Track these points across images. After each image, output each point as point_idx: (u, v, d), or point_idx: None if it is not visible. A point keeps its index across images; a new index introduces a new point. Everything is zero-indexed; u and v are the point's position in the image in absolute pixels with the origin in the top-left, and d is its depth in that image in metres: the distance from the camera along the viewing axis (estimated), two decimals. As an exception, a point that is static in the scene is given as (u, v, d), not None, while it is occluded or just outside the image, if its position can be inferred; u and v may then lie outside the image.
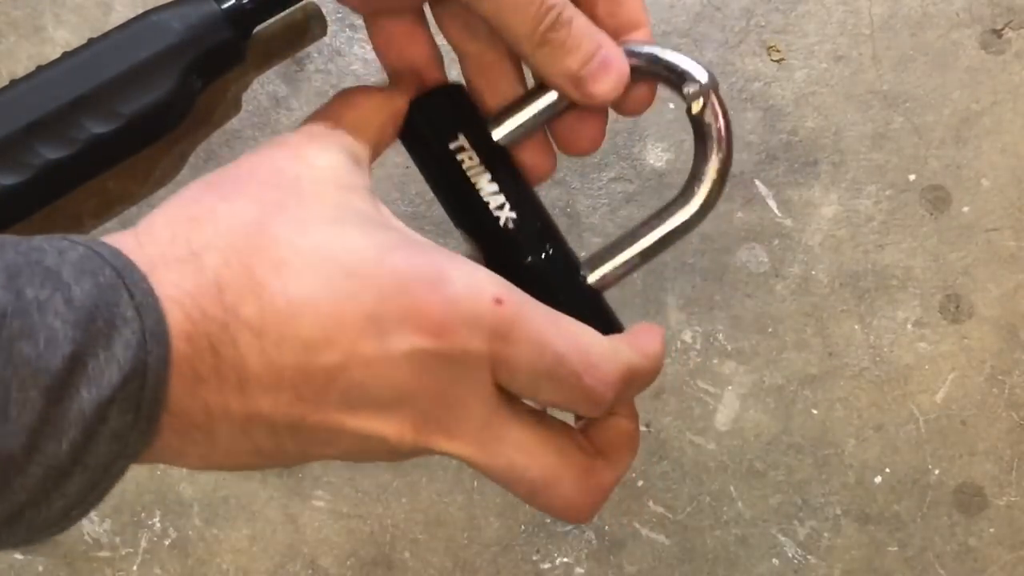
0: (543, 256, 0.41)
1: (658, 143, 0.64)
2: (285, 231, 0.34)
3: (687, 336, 0.63)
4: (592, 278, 0.41)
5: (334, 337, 0.33)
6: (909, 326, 0.63)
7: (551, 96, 0.42)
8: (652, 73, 0.41)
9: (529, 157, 0.43)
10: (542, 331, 0.35)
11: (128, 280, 0.31)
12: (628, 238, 0.42)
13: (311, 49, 0.65)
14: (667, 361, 0.62)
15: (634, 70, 0.41)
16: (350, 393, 0.33)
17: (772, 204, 0.64)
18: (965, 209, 0.64)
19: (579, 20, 0.40)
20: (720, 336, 0.63)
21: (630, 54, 0.41)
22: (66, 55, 0.60)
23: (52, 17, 0.65)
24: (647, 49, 0.41)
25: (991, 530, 0.61)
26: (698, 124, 0.41)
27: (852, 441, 0.62)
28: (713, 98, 0.41)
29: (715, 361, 0.62)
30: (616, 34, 0.41)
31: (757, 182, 0.64)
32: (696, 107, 0.41)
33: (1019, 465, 0.62)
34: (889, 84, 0.65)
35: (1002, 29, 0.66)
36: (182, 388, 0.32)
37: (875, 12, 0.66)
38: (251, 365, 0.32)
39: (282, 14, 0.64)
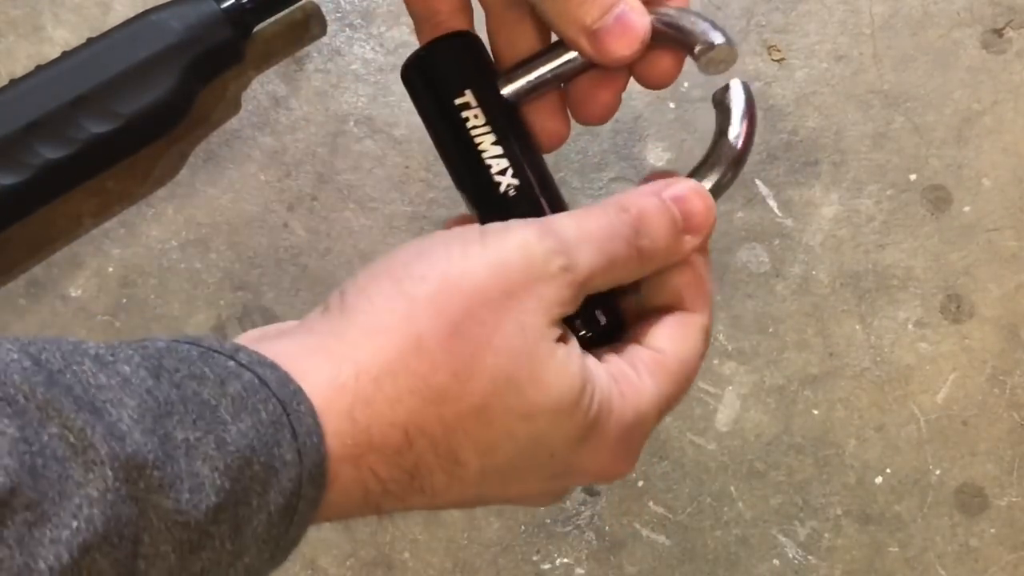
0: None
1: (658, 143, 0.64)
2: (508, 420, 0.34)
3: (687, 336, 0.63)
4: None
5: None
6: (910, 326, 0.63)
7: (568, 54, 0.40)
8: (671, 38, 0.39)
9: (541, 120, 0.42)
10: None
11: (293, 415, 0.30)
12: None
13: (310, 49, 0.65)
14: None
15: (656, 34, 0.38)
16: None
17: (773, 204, 0.64)
18: (966, 209, 0.64)
19: None
20: (721, 336, 0.63)
21: (654, 15, 0.38)
22: (65, 55, 0.60)
23: (51, 17, 0.64)
24: (669, 11, 0.39)
25: (992, 530, 0.61)
26: (717, 103, 0.40)
27: (853, 441, 0.62)
28: (735, 83, 0.39)
29: (716, 361, 0.62)
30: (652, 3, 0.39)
31: (758, 182, 0.64)
32: (721, 95, 0.39)
33: (1020, 465, 0.62)
34: (890, 84, 0.65)
35: (1003, 29, 0.66)
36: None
37: (876, 11, 0.66)
38: (417, 504, 0.33)
39: (282, 14, 0.63)
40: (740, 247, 0.63)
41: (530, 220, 0.36)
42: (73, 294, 0.62)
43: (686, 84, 0.65)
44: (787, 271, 0.63)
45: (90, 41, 0.60)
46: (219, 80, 0.63)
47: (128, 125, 0.59)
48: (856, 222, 0.64)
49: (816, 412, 0.62)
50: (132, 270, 0.62)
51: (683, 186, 0.38)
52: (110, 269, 0.62)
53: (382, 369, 0.32)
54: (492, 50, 0.42)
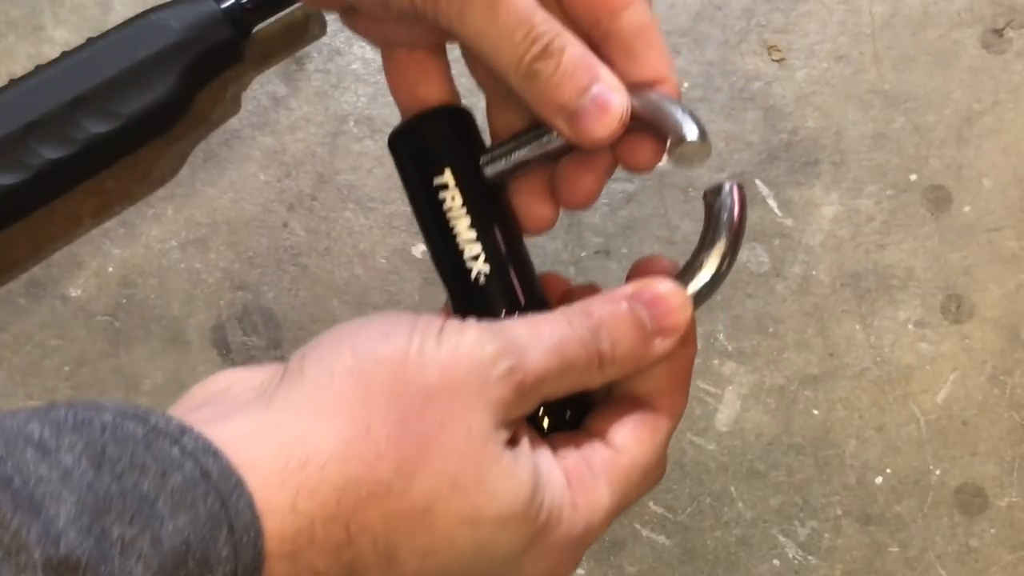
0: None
1: (658, 143, 0.64)
2: (451, 525, 0.33)
3: (688, 336, 0.62)
4: None
5: None
6: (910, 326, 0.63)
7: (550, 136, 0.39)
8: (648, 124, 0.37)
9: (526, 202, 0.41)
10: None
11: (232, 510, 0.30)
12: None
13: (310, 49, 0.65)
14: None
15: (636, 118, 0.37)
16: None
17: (773, 204, 0.64)
18: (966, 209, 0.64)
19: (573, 49, 0.37)
20: (721, 336, 0.62)
21: (634, 98, 0.37)
22: (65, 55, 0.60)
23: (51, 16, 0.64)
24: (649, 96, 0.37)
25: (992, 531, 0.61)
26: (707, 204, 0.39)
27: (853, 441, 0.62)
28: (733, 192, 0.38)
29: (716, 361, 0.62)
30: (595, 9, 0.38)
31: (758, 182, 0.64)
32: (712, 199, 0.38)
33: (1020, 466, 0.62)
34: (890, 84, 0.65)
35: (1003, 28, 0.66)
36: None
37: (876, 11, 0.66)
38: None
39: (282, 14, 0.63)
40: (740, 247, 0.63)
41: (486, 323, 0.36)
42: (73, 294, 0.62)
43: (686, 84, 0.65)
44: (787, 271, 0.63)
45: (90, 41, 0.60)
46: (219, 80, 0.63)
47: (128, 125, 0.59)
48: (856, 222, 0.64)
49: (816, 412, 0.62)
50: (132, 270, 0.62)
51: (655, 286, 0.38)
52: (110, 269, 0.62)
53: (331, 455, 0.32)
54: (490, 130, 0.41)
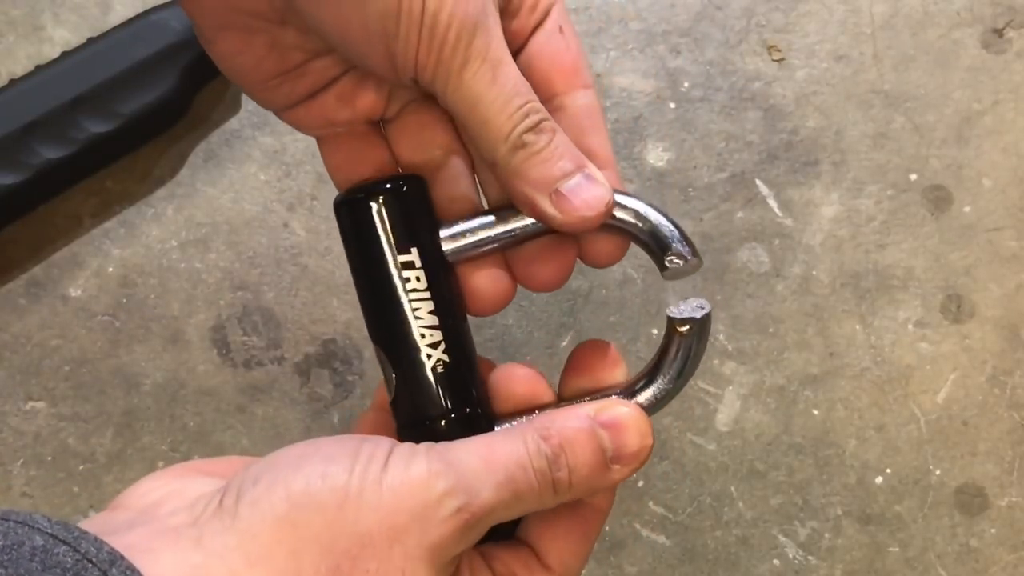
0: (459, 414, 0.37)
1: (659, 143, 0.64)
2: None
3: (688, 336, 0.62)
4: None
5: None
6: (910, 326, 0.63)
7: (519, 219, 0.37)
8: (629, 226, 0.36)
9: (483, 281, 0.39)
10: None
11: None
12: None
13: (311, 48, 0.65)
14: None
15: (624, 220, 0.36)
16: None
17: (773, 204, 0.64)
18: (966, 209, 0.64)
19: (563, 135, 0.36)
20: (721, 336, 0.62)
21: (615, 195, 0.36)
22: (65, 54, 0.60)
23: (51, 16, 0.64)
24: (630, 200, 0.36)
25: (992, 531, 0.61)
26: (671, 331, 0.37)
27: (853, 441, 0.62)
28: (696, 326, 0.36)
29: (716, 361, 0.62)
30: (552, 84, 0.38)
31: (758, 182, 0.64)
32: (681, 327, 0.36)
33: (1020, 466, 0.62)
34: (890, 83, 0.65)
35: (1003, 28, 0.65)
36: None
37: (876, 11, 0.66)
38: None
39: (282, 13, 0.63)
40: (740, 247, 0.63)
41: (436, 451, 0.34)
42: (73, 294, 0.62)
43: (686, 84, 0.65)
44: (787, 271, 0.63)
45: (90, 41, 0.60)
46: (219, 80, 0.63)
47: (128, 125, 0.59)
48: (856, 222, 0.64)
49: (816, 412, 0.62)
50: (132, 270, 0.62)
51: (619, 411, 0.36)
52: (110, 269, 0.62)
53: None
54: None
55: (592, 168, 0.37)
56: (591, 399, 0.38)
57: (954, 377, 0.62)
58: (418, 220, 0.37)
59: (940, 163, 0.64)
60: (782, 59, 0.65)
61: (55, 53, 0.61)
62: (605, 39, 0.65)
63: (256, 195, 0.63)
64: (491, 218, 0.38)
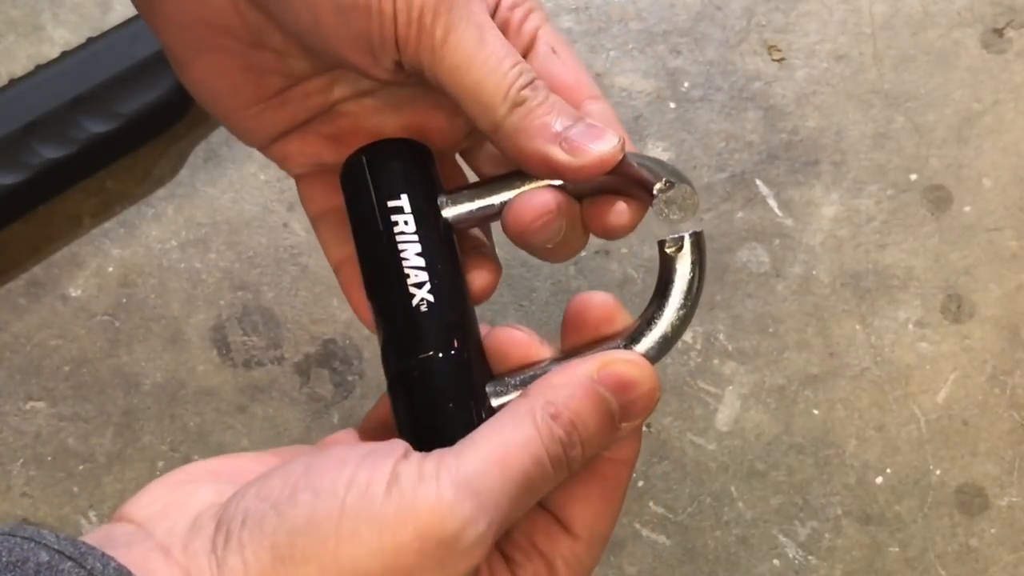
0: (445, 353, 0.36)
1: (659, 142, 0.64)
2: None
3: (687, 336, 0.62)
4: (493, 398, 0.37)
5: None
6: (910, 326, 0.63)
7: (521, 181, 0.37)
8: (628, 176, 0.36)
9: (474, 266, 0.39)
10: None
11: None
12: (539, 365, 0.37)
13: (311, 48, 0.65)
14: (668, 361, 0.62)
15: (615, 172, 0.36)
16: None
17: (773, 204, 0.64)
18: (966, 209, 0.64)
19: (554, 94, 0.36)
20: (721, 336, 0.62)
21: None
22: (65, 54, 0.60)
23: (51, 16, 0.64)
24: (631, 156, 0.36)
25: (992, 531, 0.61)
26: (663, 259, 0.36)
27: (853, 441, 0.62)
28: (689, 243, 0.35)
29: (716, 361, 0.62)
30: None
31: (758, 182, 0.64)
32: (671, 249, 0.35)
33: (1020, 465, 0.62)
34: (890, 83, 0.65)
35: (1003, 28, 0.65)
36: None
37: (876, 11, 0.66)
38: None
39: (282, 13, 0.63)
40: (740, 247, 0.63)
41: (445, 470, 0.31)
42: (73, 294, 0.62)
43: (686, 84, 0.65)
44: (787, 271, 0.63)
45: (90, 41, 0.60)
46: (219, 80, 0.63)
47: (128, 125, 0.59)
48: (856, 222, 0.64)
49: (816, 412, 0.62)
50: (132, 270, 0.62)
51: (620, 368, 0.35)
52: (110, 269, 0.62)
53: None
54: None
55: (591, 113, 0.36)
56: (592, 353, 0.37)
57: (954, 377, 0.62)
58: (411, 174, 0.38)
59: (940, 163, 0.64)
60: (782, 59, 0.65)
61: (55, 53, 0.61)
62: (605, 39, 0.65)
63: (256, 195, 0.63)
64: (491, 187, 0.38)
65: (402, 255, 0.37)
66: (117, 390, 0.61)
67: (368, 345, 0.62)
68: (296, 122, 0.39)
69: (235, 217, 0.63)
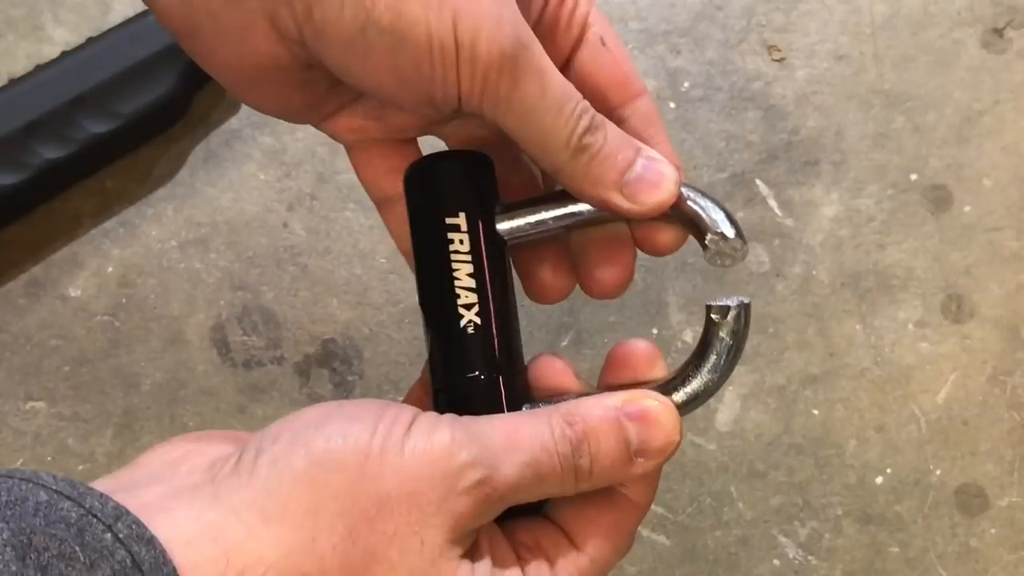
0: (487, 376, 0.38)
1: (659, 143, 0.64)
2: None
3: (687, 336, 0.62)
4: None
5: None
6: (911, 326, 0.63)
7: (576, 204, 0.38)
8: (684, 213, 0.37)
9: (543, 271, 0.40)
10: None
11: None
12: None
13: (311, 48, 0.65)
14: (668, 361, 0.62)
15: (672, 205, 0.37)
16: None
17: (773, 204, 0.64)
18: (967, 209, 0.64)
19: (615, 131, 0.36)
20: (721, 336, 0.62)
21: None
22: (65, 54, 0.60)
23: (51, 16, 0.64)
24: (686, 188, 0.37)
25: (992, 531, 0.61)
26: (708, 323, 0.37)
27: (853, 441, 0.62)
28: (737, 315, 0.37)
29: (716, 361, 0.62)
30: (607, 99, 0.38)
31: (758, 182, 0.64)
32: (717, 317, 0.37)
33: (1021, 466, 0.62)
34: (890, 83, 0.65)
35: (1003, 28, 0.65)
36: None
37: (876, 11, 0.66)
38: None
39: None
40: (740, 247, 0.63)
41: (462, 422, 0.34)
42: (73, 294, 0.62)
43: (686, 84, 0.64)
44: (787, 271, 0.63)
45: (90, 41, 0.60)
46: (219, 80, 0.63)
47: (128, 125, 0.59)
48: (856, 222, 0.64)
49: (816, 412, 0.62)
50: (132, 270, 0.62)
51: (647, 404, 0.36)
52: (110, 269, 0.62)
53: (272, 565, 0.31)
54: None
55: (647, 148, 0.37)
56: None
57: (954, 377, 0.62)
58: (472, 189, 0.39)
59: (940, 163, 0.64)
60: (782, 59, 0.65)
61: (55, 53, 0.60)
62: (605, 39, 0.65)
63: (256, 195, 0.63)
64: (550, 204, 0.39)
65: (455, 274, 0.38)
66: (117, 390, 0.61)
67: (368, 345, 0.62)
68: (343, 103, 0.40)
69: (235, 217, 0.63)
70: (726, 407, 0.62)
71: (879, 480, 0.62)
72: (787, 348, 0.63)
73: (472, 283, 0.38)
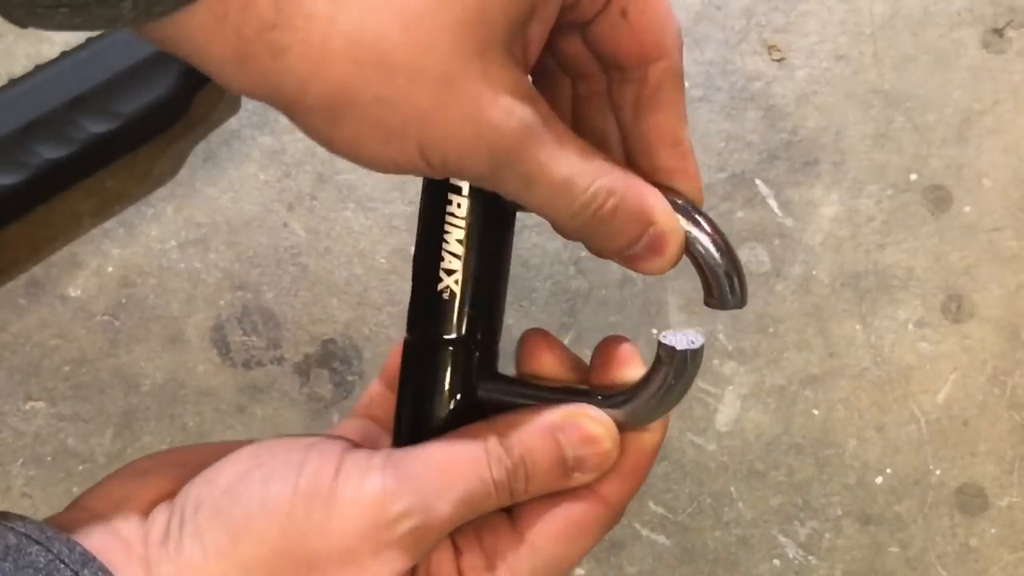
0: (450, 345, 0.38)
1: (658, 143, 0.64)
2: None
3: (688, 336, 0.62)
4: (481, 392, 0.38)
5: None
6: (910, 326, 0.63)
7: None
8: (692, 259, 0.37)
9: None
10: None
11: None
12: (534, 390, 0.38)
13: (310, 48, 0.65)
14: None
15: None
16: None
17: (773, 204, 0.64)
18: (967, 209, 0.64)
19: (625, 204, 0.35)
20: (721, 336, 0.62)
21: (679, 212, 0.36)
22: (65, 54, 0.60)
23: (51, 16, 0.64)
24: (700, 237, 0.36)
25: (992, 531, 0.61)
26: (657, 355, 0.37)
27: (853, 441, 0.62)
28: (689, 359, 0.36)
29: (716, 361, 0.62)
30: (649, 146, 0.37)
31: (758, 182, 0.64)
32: (663, 354, 0.36)
33: (1020, 466, 0.62)
34: (890, 83, 0.65)
35: (1003, 28, 0.65)
36: None
37: (876, 11, 0.66)
38: None
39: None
40: (740, 247, 0.63)
41: (392, 460, 0.34)
42: (73, 294, 0.62)
43: (686, 84, 0.64)
44: (787, 271, 0.63)
45: (90, 41, 0.60)
46: (219, 80, 0.63)
47: (128, 125, 0.59)
48: (856, 222, 0.64)
49: (816, 412, 0.62)
50: (132, 270, 0.62)
51: (588, 422, 0.36)
52: (110, 269, 0.62)
53: None
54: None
55: (657, 226, 0.36)
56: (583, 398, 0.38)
57: (954, 377, 0.62)
58: None
59: (940, 163, 0.64)
60: (782, 59, 0.65)
61: (55, 53, 0.60)
62: (605, 39, 0.65)
63: (256, 195, 0.63)
64: None
65: (444, 236, 0.37)
66: (117, 390, 0.61)
67: (368, 345, 0.62)
68: None
69: (235, 217, 0.63)
70: (726, 407, 0.62)
71: (879, 480, 0.62)
72: (787, 348, 0.63)
73: (459, 249, 0.37)
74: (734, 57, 0.65)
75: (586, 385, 0.39)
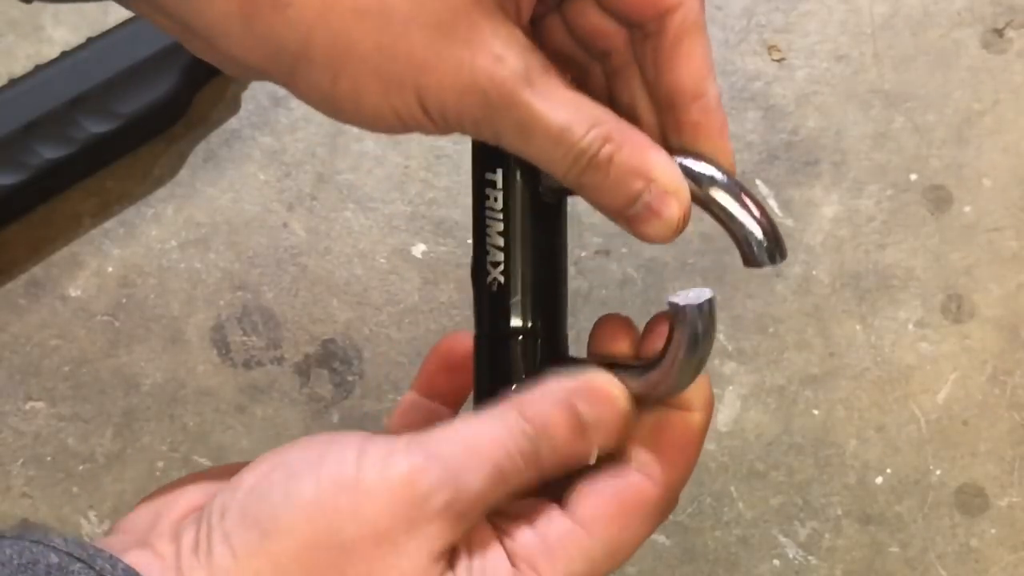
0: (508, 335, 0.38)
1: (658, 143, 0.64)
2: None
3: (688, 336, 0.62)
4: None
5: None
6: (911, 326, 0.63)
7: None
8: (717, 218, 0.36)
9: None
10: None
11: None
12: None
13: (311, 48, 0.65)
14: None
15: (704, 206, 0.36)
16: None
17: (773, 204, 0.64)
18: (967, 209, 0.64)
19: (623, 154, 0.34)
20: (721, 336, 0.62)
21: (698, 190, 0.36)
22: (65, 54, 0.60)
23: (51, 16, 0.64)
24: (719, 187, 0.36)
25: (992, 531, 0.61)
26: (669, 319, 0.36)
27: (853, 441, 0.62)
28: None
29: (716, 361, 0.62)
30: (673, 103, 0.36)
31: (758, 182, 0.64)
32: (676, 314, 0.36)
33: (1021, 466, 0.62)
34: (890, 83, 0.65)
35: (1003, 28, 0.65)
36: None
37: (876, 11, 0.66)
38: None
39: (281, 13, 0.63)
40: (740, 247, 0.63)
41: (416, 444, 0.33)
42: (73, 294, 0.62)
43: (686, 84, 0.64)
44: (787, 271, 0.63)
45: (90, 41, 0.60)
46: (219, 80, 0.63)
47: (128, 125, 0.59)
48: (856, 222, 0.64)
49: (816, 412, 0.62)
50: (132, 270, 0.62)
51: (601, 380, 0.36)
52: (110, 269, 0.62)
53: None
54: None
55: (657, 183, 0.35)
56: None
57: (954, 377, 0.62)
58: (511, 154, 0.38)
59: (940, 163, 0.64)
60: (782, 59, 0.65)
61: (55, 53, 0.61)
62: (605, 39, 0.65)
63: (256, 195, 0.63)
64: None
65: (487, 230, 0.38)
66: (117, 390, 0.61)
67: (368, 345, 0.62)
68: None
69: (235, 217, 0.63)
70: (726, 407, 0.62)
71: (879, 480, 0.62)
72: (787, 348, 0.63)
73: (500, 241, 0.38)
74: (734, 57, 0.65)
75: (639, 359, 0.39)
